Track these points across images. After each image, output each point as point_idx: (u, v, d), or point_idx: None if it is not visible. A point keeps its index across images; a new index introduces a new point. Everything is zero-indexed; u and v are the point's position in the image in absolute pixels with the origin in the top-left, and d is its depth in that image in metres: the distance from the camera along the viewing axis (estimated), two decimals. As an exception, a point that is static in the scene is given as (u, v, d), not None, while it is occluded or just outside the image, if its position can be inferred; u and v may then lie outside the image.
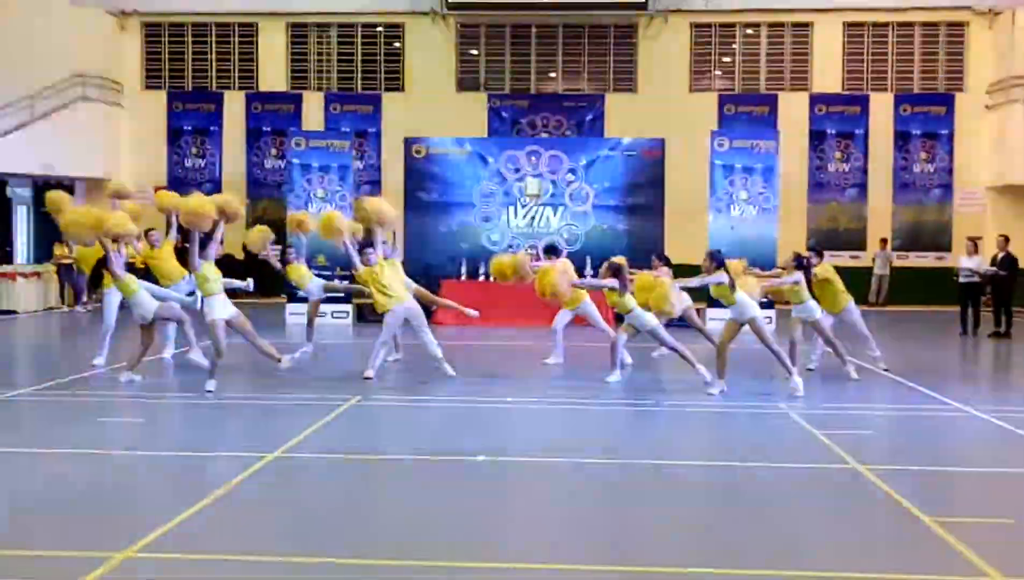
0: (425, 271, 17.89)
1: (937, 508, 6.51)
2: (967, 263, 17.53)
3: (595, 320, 12.80)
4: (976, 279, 17.40)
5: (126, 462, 7.91)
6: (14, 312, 19.40)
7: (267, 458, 7.68)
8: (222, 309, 10.46)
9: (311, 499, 6.84)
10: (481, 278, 18.97)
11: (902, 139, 24.02)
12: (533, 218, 19.84)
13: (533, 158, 19.97)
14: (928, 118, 24.05)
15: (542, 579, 5.39)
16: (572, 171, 19.87)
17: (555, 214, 19.82)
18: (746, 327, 10.73)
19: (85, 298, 20.67)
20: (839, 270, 12.71)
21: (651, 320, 11.21)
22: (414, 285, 12.72)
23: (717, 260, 10.70)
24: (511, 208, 19.84)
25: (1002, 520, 6.40)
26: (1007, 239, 17.71)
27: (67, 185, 23.99)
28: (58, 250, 20.80)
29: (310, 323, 13.55)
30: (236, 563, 5.50)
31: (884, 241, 23.41)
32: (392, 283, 11.58)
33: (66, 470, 7.53)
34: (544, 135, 23.53)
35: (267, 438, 8.41)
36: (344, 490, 7.09)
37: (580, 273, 18.58)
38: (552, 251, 14.29)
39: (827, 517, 6.60)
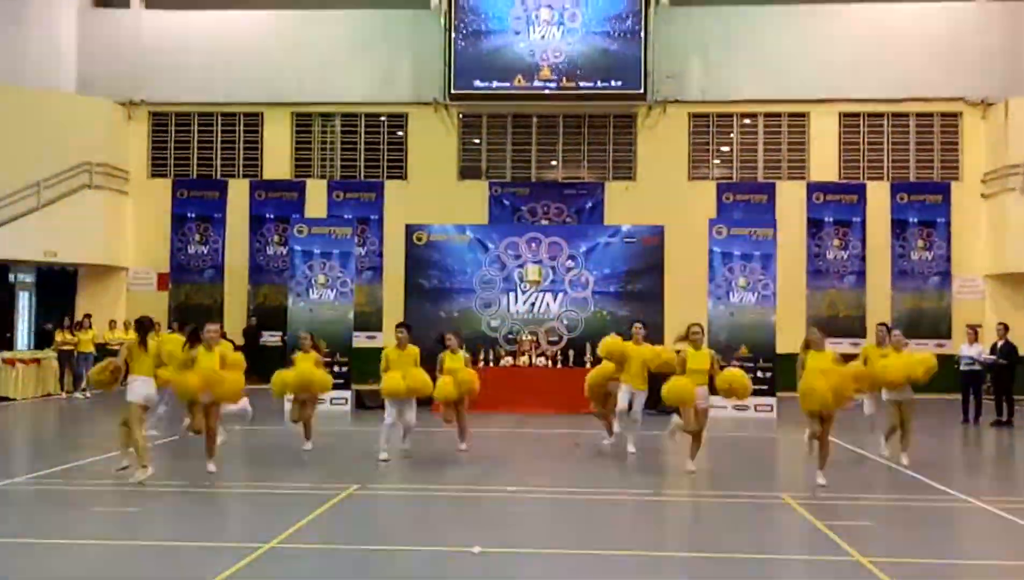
0: (426, 357, 17.81)
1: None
2: (968, 351, 17.53)
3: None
4: (977, 367, 17.39)
5: (122, 552, 7.81)
6: (11, 399, 19.26)
7: (262, 548, 7.58)
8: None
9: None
10: (481, 364, 18.94)
11: (899, 227, 24.19)
12: (533, 304, 19.88)
13: (533, 245, 20.10)
14: (925, 206, 24.26)
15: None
16: (572, 257, 19.98)
17: (555, 300, 19.87)
18: None
19: (84, 385, 20.61)
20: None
21: None
22: None
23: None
24: (511, 294, 19.89)
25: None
26: (1006, 327, 17.74)
27: (70, 271, 24.27)
28: (59, 336, 20.81)
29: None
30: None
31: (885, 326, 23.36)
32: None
33: (60, 561, 7.43)
34: (544, 222, 23.72)
35: (263, 528, 8.31)
36: (339, 582, 6.99)
37: (580, 359, 18.69)
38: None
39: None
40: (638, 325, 13.25)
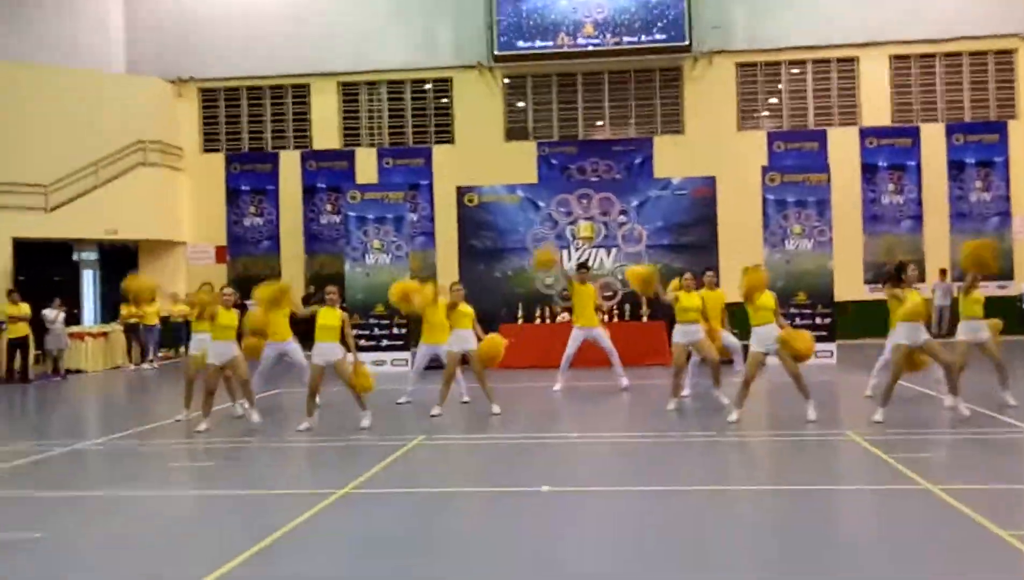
0: (482, 317, 17.97)
1: (1015, 522, 6.41)
2: (1031, 288, 17.27)
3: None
4: (1041, 304, 17.12)
5: (203, 502, 8.07)
6: (83, 370, 19.88)
7: (337, 494, 7.78)
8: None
9: (377, 531, 6.90)
10: (537, 322, 19.07)
11: (956, 169, 23.78)
12: (587, 260, 19.90)
13: (584, 201, 20.10)
14: (981, 147, 23.81)
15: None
16: (623, 212, 19.95)
17: (608, 255, 19.88)
18: None
19: (151, 356, 21.10)
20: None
21: None
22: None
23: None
24: (564, 251, 19.92)
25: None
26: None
27: (131, 248, 24.77)
28: (125, 310, 21.30)
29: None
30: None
31: (943, 272, 23.05)
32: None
33: (148, 511, 7.70)
34: (594, 179, 23.67)
35: (337, 477, 8.51)
36: (410, 522, 7.15)
37: (636, 313, 18.73)
38: (584, 267, 15.09)
39: (902, 535, 6.51)
40: (710, 273, 13.39)
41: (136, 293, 13.83)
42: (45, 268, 22.66)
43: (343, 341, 11.05)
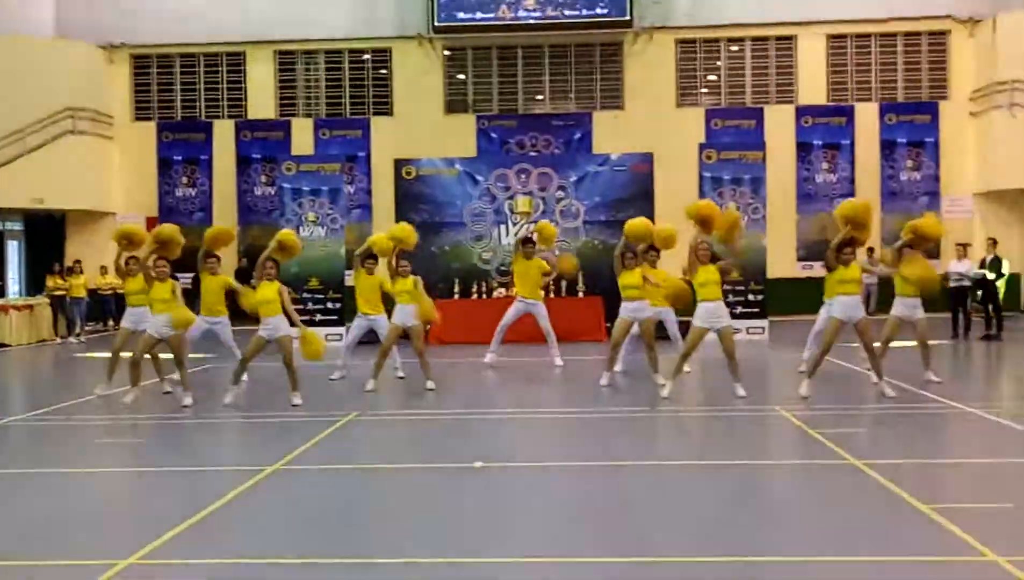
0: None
1: (934, 496, 6.61)
2: (957, 268, 17.71)
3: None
4: (966, 283, 17.58)
5: (131, 479, 7.98)
6: (6, 345, 19.41)
7: (267, 470, 7.75)
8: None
9: (311, 506, 6.89)
10: (474, 297, 19.08)
11: (888, 148, 24.23)
12: (532, 235, 19.91)
13: (523, 176, 20.11)
14: (913, 127, 24.28)
15: (546, 571, 5.46)
16: (562, 188, 20.01)
17: (546, 231, 19.89)
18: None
19: (78, 329, 20.70)
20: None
21: None
22: None
23: None
24: (502, 226, 19.94)
25: (1001, 505, 6.49)
26: (995, 242, 17.94)
27: (58, 218, 24.21)
28: (51, 281, 20.84)
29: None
30: (238, 565, 5.58)
31: (871, 250, 23.48)
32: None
33: (76, 488, 7.59)
34: (533, 154, 23.68)
35: (269, 453, 8.47)
36: (344, 497, 7.15)
37: (572, 289, 18.82)
38: (529, 242, 14.75)
39: (827, 508, 6.68)
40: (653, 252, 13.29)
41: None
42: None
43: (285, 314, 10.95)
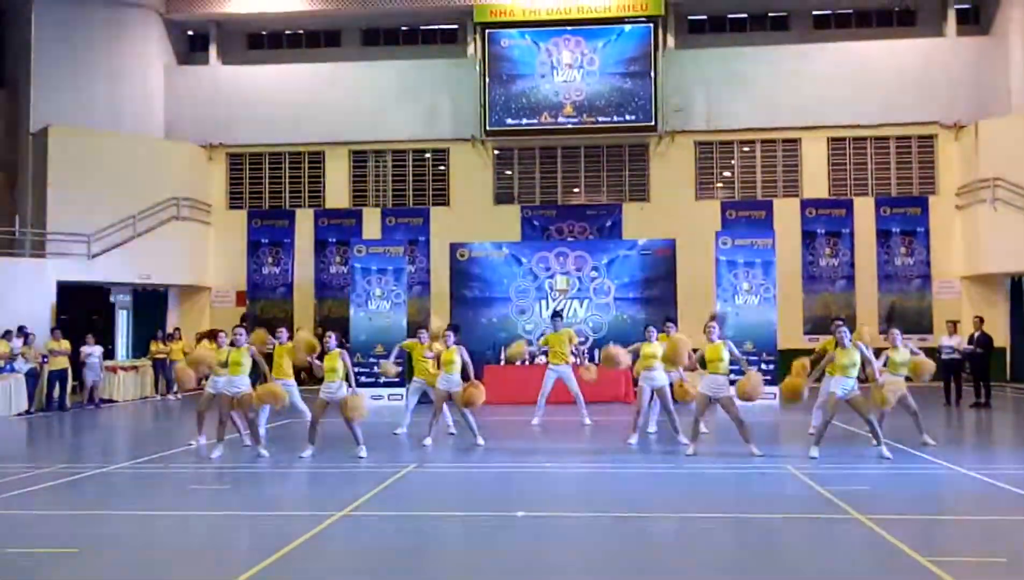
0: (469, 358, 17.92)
1: (933, 550, 6.39)
2: (948, 342, 17.36)
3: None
4: (957, 356, 17.21)
5: (220, 520, 7.96)
6: (115, 400, 19.66)
7: (335, 515, 7.69)
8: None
9: (372, 548, 6.81)
10: (517, 363, 18.99)
11: (883, 237, 24.03)
12: (561, 310, 19.94)
13: (561, 258, 20.20)
14: (905, 218, 24.08)
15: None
16: (595, 269, 20.05)
17: (581, 306, 19.95)
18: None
19: (176, 389, 20.92)
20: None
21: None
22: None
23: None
24: (543, 301, 19.99)
25: (995, 560, 6.26)
26: (982, 320, 17.58)
27: (162, 291, 24.65)
28: (153, 346, 21.13)
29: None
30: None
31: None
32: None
33: (169, 528, 7.59)
34: (570, 239, 23.79)
35: (338, 500, 8.42)
36: (401, 541, 7.07)
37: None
38: (558, 315, 14.86)
39: (833, 559, 6.48)
40: (669, 323, 13.17)
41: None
42: (85, 308, 22.49)
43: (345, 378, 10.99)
